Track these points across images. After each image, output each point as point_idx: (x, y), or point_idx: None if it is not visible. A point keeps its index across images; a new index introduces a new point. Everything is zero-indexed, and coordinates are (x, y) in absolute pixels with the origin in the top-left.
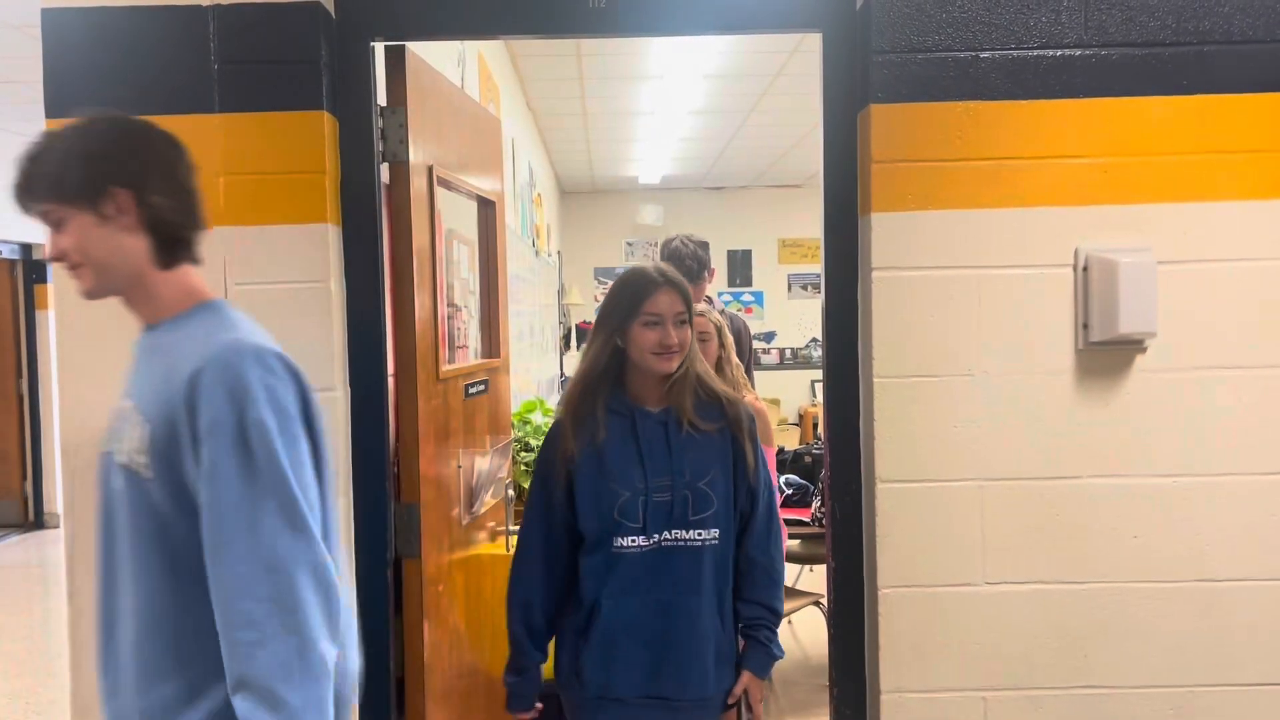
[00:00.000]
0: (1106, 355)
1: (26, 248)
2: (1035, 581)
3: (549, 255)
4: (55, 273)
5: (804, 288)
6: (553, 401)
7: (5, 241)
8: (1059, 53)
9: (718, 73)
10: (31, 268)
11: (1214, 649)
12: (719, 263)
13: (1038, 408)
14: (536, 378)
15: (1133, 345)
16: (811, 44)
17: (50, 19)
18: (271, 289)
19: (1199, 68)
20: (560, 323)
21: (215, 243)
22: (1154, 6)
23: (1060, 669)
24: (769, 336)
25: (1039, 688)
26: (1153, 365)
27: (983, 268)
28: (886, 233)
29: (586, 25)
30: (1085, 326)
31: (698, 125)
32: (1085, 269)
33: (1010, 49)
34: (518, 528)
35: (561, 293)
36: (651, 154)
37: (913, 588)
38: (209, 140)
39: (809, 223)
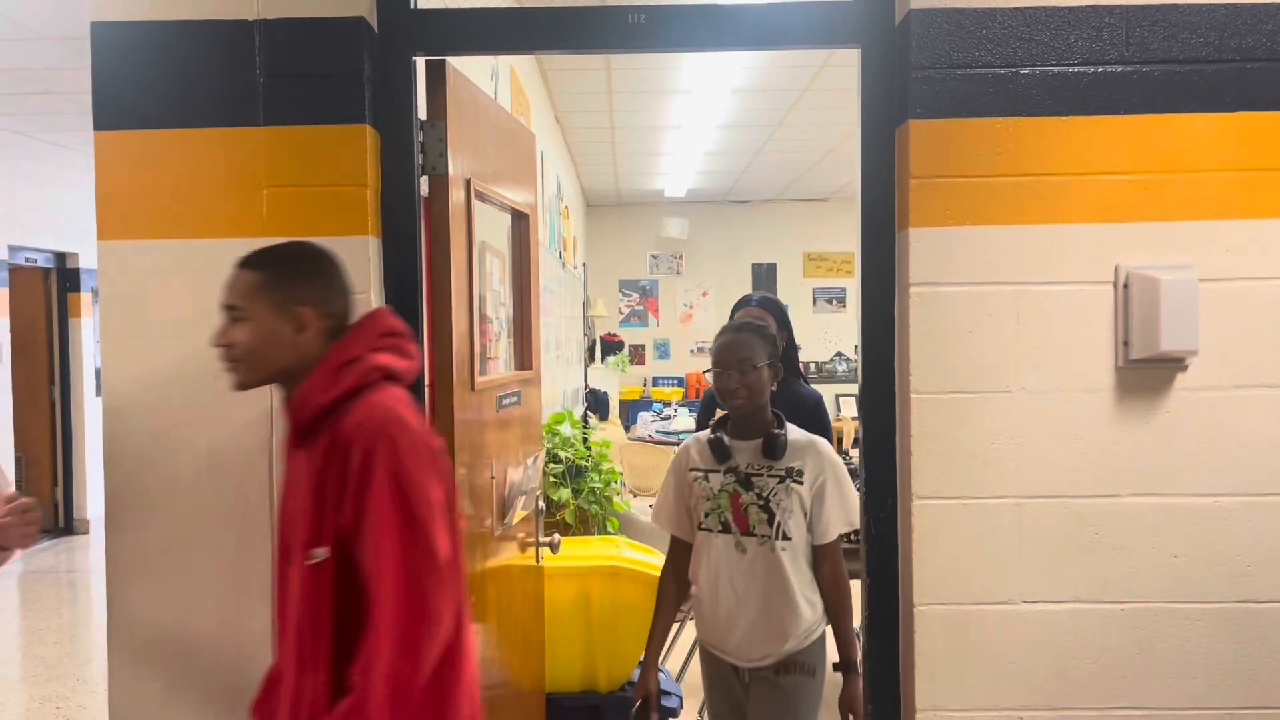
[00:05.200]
0: (1147, 373)
1: (60, 256)
2: (1073, 600)
3: (575, 267)
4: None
5: (829, 302)
6: (580, 413)
7: (39, 250)
8: (1100, 69)
9: (745, 87)
10: (64, 276)
11: (1255, 672)
12: (743, 275)
13: (1077, 425)
14: (562, 389)
15: (1174, 363)
16: (840, 59)
17: (99, 32)
18: None
19: (1241, 85)
20: (585, 335)
21: None
22: (1196, 23)
23: (1098, 689)
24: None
25: (1076, 708)
26: (1194, 383)
27: (1022, 284)
28: (924, 248)
29: (626, 40)
30: (1126, 344)
31: (724, 139)
32: (1126, 286)
33: (1051, 65)
34: (548, 540)
35: (586, 305)
36: (677, 167)
37: (949, 605)
38: (253, 153)
39: (834, 237)
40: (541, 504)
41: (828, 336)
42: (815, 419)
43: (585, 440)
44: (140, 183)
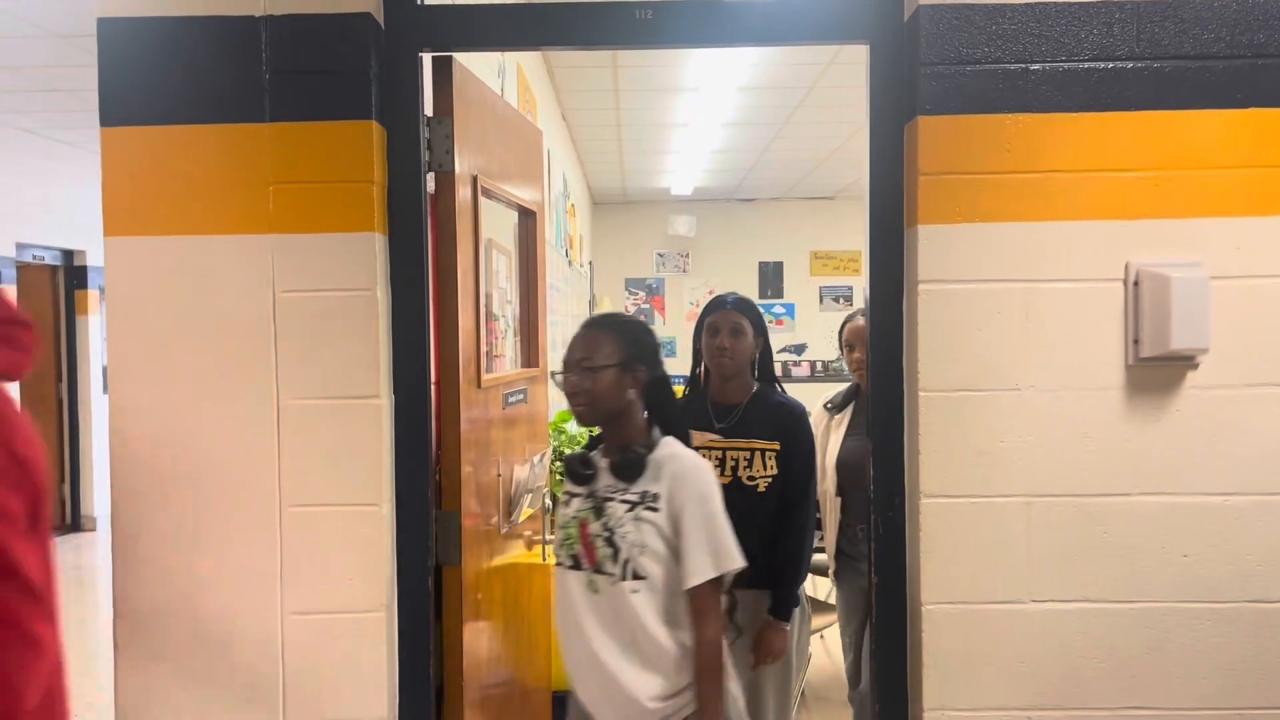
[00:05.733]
0: (1157, 371)
1: (68, 254)
2: (1082, 600)
3: (581, 266)
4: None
5: (836, 300)
6: None
7: (46, 248)
8: (1110, 65)
9: (752, 84)
10: (72, 274)
11: (1265, 671)
12: (750, 274)
13: (1086, 424)
14: None
15: (1184, 361)
16: (847, 56)
17: (106, 28)
18: (319, 297)
19: (1253, 81)
20: None
21: (263, 251)
22: (1207, 19)
23: (1107, 689)
24: (800, 349)
25: (1086, 708)
26: (1204, 382)
27: (1031, 281)
28: (933, 245)
29: (633, 36)
30: (1136, 342)
31: (731, 137)
32: (1136, 283)
33: (1061, 61)
34: (553, 538)
35: (593, 303)
36: (684, 165)
37: (957, 604)
38: (259, 149)
39: (841, 235)
40: (548, 502)
41: (834, 335)
42: (805, 433)
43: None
44: (147, 179)
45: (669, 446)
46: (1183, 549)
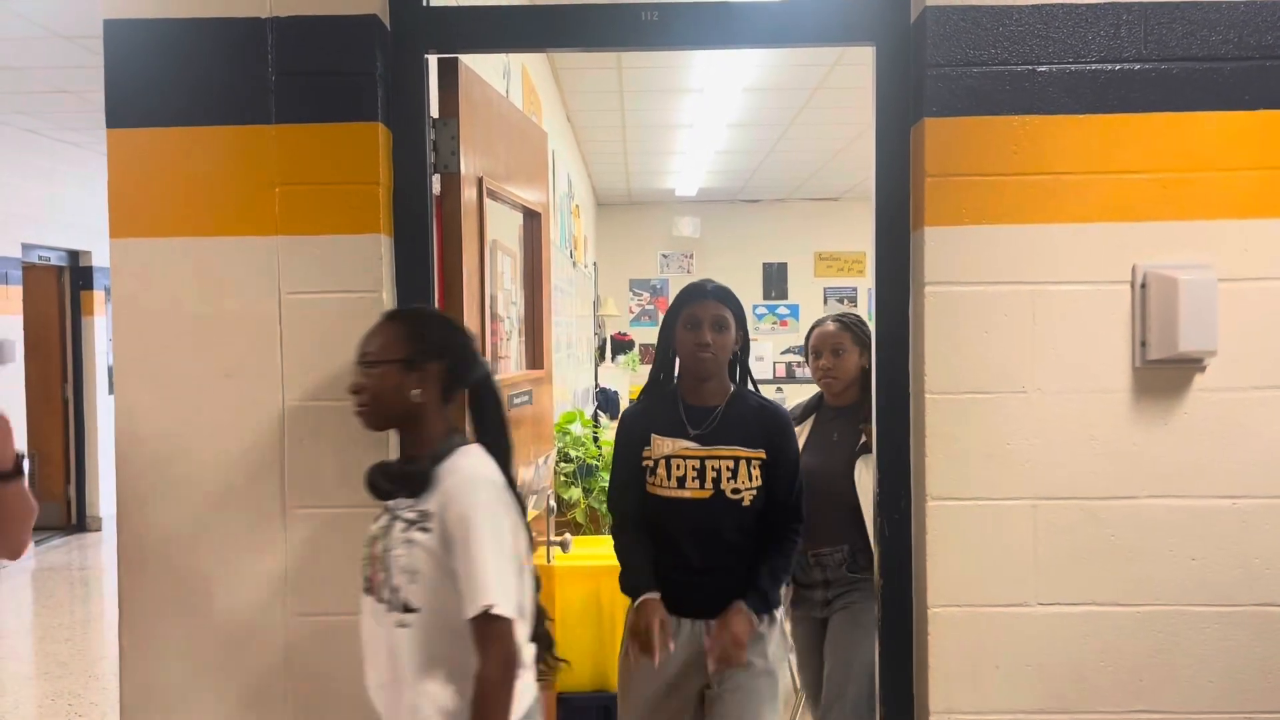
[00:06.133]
0: (1165, 374)
1: (73, 254)
2: (1089, 603)
3: (585, 266)
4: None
5: (840, 301)
6: (590, 413)
7: (52, 249)
8: (1118, 67)
9: (757, 85)
10: (77, 274)
11: (1273, 675)
12: (754, 275)
13: (1093, 426)
14: (572, 388)
15: (1192, 364)
16: (852, 57)
17: (112, 30)
18: (324, 299)
19: (1262, 83)
20: (595, 334)
21: (269, 252)
22: (1215, 21)
23: (1114, 692)
24: (803, 350)
25: (1092, 711)
26: (1212, 384)
27: (1038, 283)
28: (939, 248)
29: (639, 38)
30: (1143, 344)
31: (735, 138)
32: (1144, 286)
33: (1068, 63)
34: (559, 539)
35: (597, 304)
36: (689, 166)
37: (963, 607)
38: (265, 151)
39: (846, 236)
40: (553, 503)
41: None
42: (793, 440)
43: (596, 439)
44: (153, 180)
45: (462, 457)
46: (1190, 552)
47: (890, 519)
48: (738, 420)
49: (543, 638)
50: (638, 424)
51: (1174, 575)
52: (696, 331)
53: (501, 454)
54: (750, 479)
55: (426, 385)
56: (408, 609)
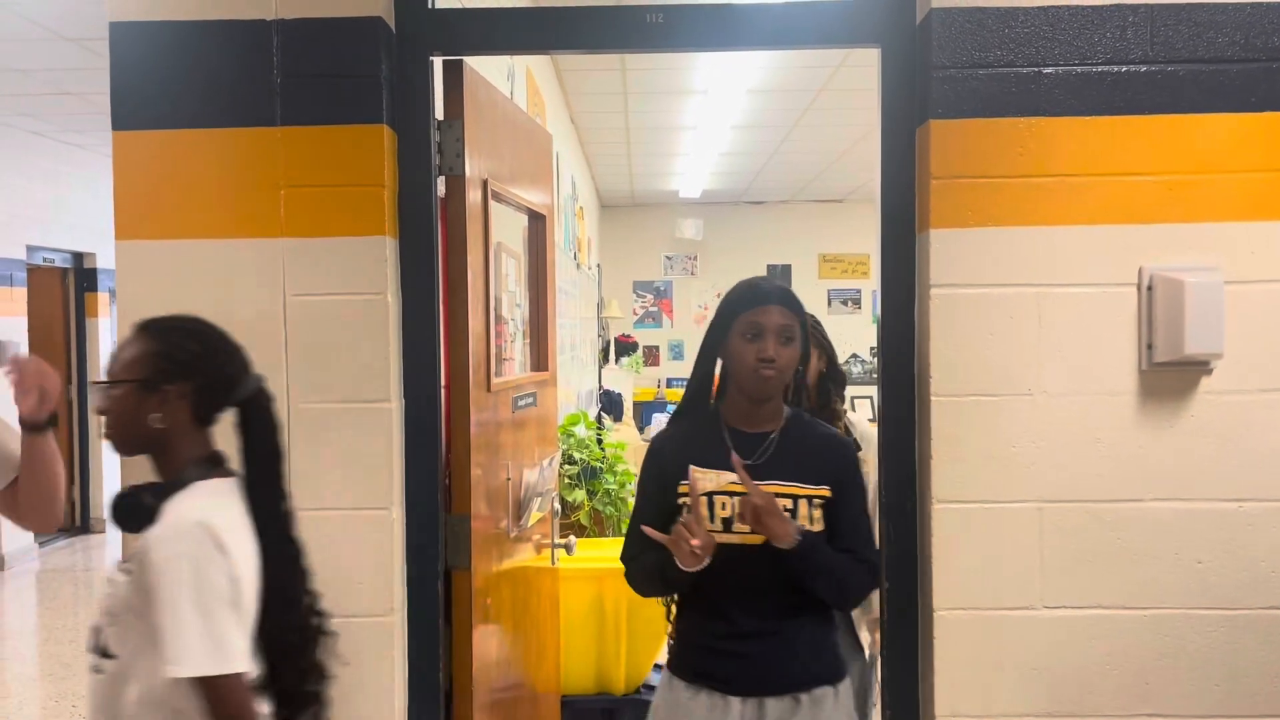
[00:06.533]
0: (1171, 376)
1: (78, 256)
2: (1095, 606)
3: (589, 268)
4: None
5: (844, 303)
6: (594, 414)
7: (57, 250)
8: (1124, 69)
9: (761, 87)
10: (82, 276)
11: (1278, 679)
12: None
13: (1099, 429)
14: (576, 390)
15: (1198, 366)
16: (857, 59)
17: (118, 32)
18: (329, 301)
19: (1268, 84)
20: (599, 336)
21: (274, 254)
22: (1221, 23)
23: (1120, 696)
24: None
25: (1098, 715)
26: (1218, 387)
27: (1043, 286)
28: (945, 250)
29: (644, 40)
30: (1149, 347)
31: (739, 140)
32: (1150, 288)
33: (1074, 65)
34: (563, 542)
35: (601, 306)
36: (692, 168)
37: (969, 610)
38: (270, 153)
39: (849, 238)
40: (557, 505)
41: (843, 338)
42: (860, 477)
43: (600, 442)
44: (158, 183)
45: (182, 498)
46: (1196, 555)
47: (895, 521)
48: (796, 450)
49: (297, 698)
50: (672, 454)
51: (1180, 578)
52: (758, 343)
53: (265, 488)
54: (810, 521)
55: (168, 409)
56: (105, 654)
